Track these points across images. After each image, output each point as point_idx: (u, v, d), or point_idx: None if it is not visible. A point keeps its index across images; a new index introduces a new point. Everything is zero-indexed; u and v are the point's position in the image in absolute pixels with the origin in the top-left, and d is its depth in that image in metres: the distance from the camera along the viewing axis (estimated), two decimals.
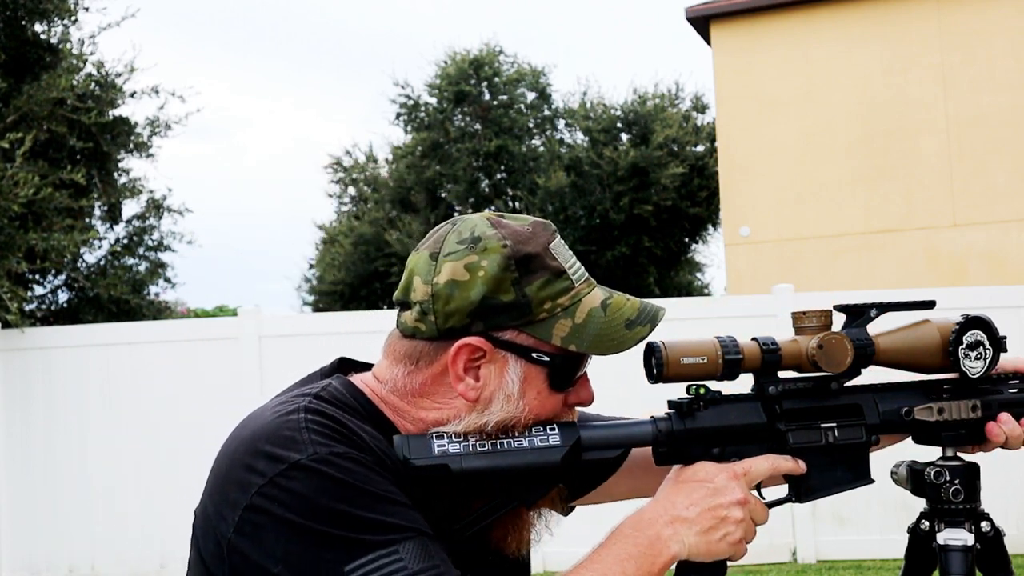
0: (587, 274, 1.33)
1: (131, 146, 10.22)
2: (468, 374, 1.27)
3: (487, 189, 19.08)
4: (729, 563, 1.28)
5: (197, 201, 41.61)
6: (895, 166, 13.17)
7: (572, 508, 1.58)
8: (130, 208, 10.94)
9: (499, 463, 1.23)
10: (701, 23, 14.45)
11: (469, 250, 1.27)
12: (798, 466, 1.31)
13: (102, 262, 10.56)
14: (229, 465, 1.24)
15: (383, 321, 6.92)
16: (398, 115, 19.57)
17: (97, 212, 10.49)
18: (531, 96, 19.55)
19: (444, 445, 1.23)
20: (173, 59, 56.26)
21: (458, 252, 1.27)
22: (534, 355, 1.26)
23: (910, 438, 1.43)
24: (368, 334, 6.51)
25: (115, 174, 10.33)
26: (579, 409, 1.55)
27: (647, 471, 1.47)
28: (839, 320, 1.34)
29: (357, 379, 1.35)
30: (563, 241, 1.33)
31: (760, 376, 1.32)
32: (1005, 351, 1.36)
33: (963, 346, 1.33)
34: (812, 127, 13.49)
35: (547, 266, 1.27)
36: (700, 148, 18.17)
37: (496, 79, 18.93)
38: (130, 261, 10.83)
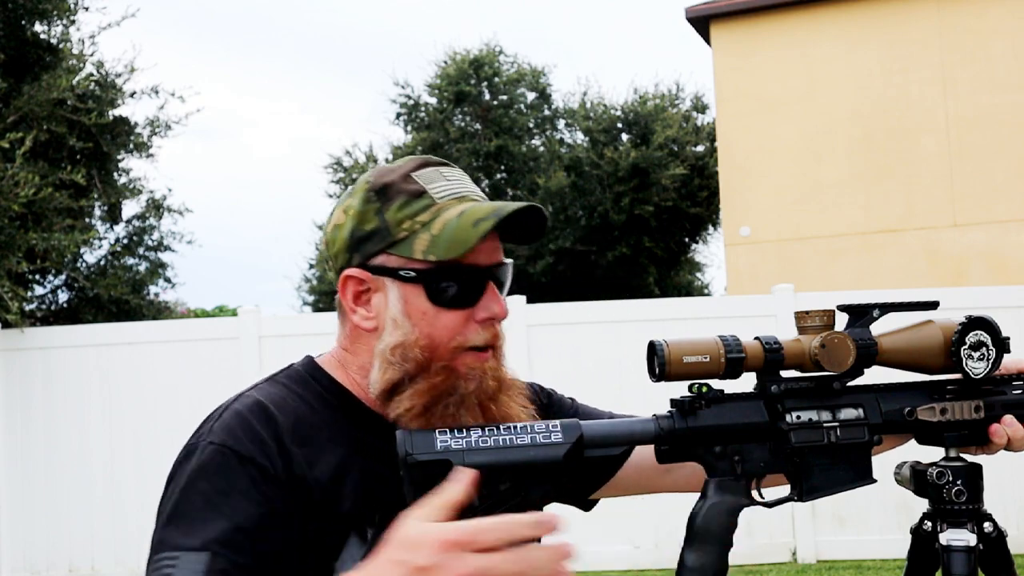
0: (463, 192, 1.34)
1: (131, 146, 10.22)
2: (360, 306, 1.34)
3: (487, 189, 19.07)
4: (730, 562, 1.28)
5: (197, 201, 41.66)
6: (895, 166, 13.18)
7: (594, 502, 1.60)
8: (130, 208, 10.94)
9: (501, 459, 1.24)
10: (701, 23, 14.46)
11: (347, 195, 1.36)
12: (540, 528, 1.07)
13: (102, 262, 10.56)
14: None
15: None
16: (398, 115, 19.58)
17: (97, 212, 10.49)
18: (531, 96, 19.55)
19: (447, 441, 1.23)
20: (174, 59, 56.32)
21: (339, 200, 1.38)
22: (402, 273, 1.30)
23: (913, 439, 1.43)
24: None
25: (115, 174, 10.34)
26: (586, 408, 1.56)
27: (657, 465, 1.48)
28: (842, 320, 1.34)
29: (324, 355, 1.43)
30: (450, 170, 1.37)
31: (763, 375, 1.32)
32: (1008, 352, 1.36)
33: (966, 347, 1.33)
34: (812, 127, 13.50)
35: (404, 190, 1.32)
36: (700, 148, 18.17)
37: (496, 79, 18.93)
38: (130, 261, 10.83)
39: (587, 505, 1.60)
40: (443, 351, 1.30)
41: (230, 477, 1.24)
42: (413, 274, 1.30)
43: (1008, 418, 1.35)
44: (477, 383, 1.30)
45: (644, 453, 1.48)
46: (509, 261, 1.37)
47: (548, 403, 1.57)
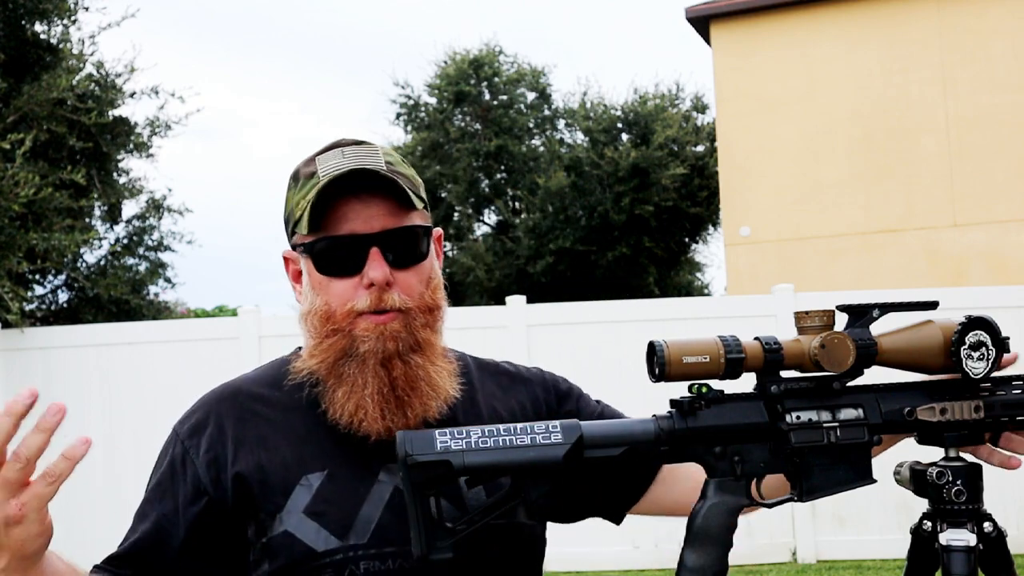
0: (344, 166, 1.39)
1: (131, 146, 10.23)
2: (297, 283, 1.47)
3: (487, 189, 19.08)
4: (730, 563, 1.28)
5: (197, 201, 41.68)
6: (895, 166, 13.18)
7: (624, 514, 1.61)
8: (130, 208, 10.96)
9: (501, 459, 1.24)
10: (701, 23, 14.46)
11: None
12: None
13: (102, 262, 10.57)
14: None
15: None
16: (398, 115, 19.58)
17: (97, 212, 10.50)
18: (531, 96, 19.56)
19: (447, 441, 1.23)
20: (174, 59, 56.34)
21: None
22: (299, 248, 1.43)
23: (911, 440, 1.43)
24: None
25: (115, 174, 10.34)
26: (612, 412, 1.59)
27: (686, 480, 1.53)
28: (842, 320, 1.33)
29: None
30: (358, 148, 1.43)
31: (762, 375, 1.32)
32: (1008, 352, 1.35)
33: (966, 346, 1.32)
34: (812, 127, 13.49)
35: (304, 173, 1.43)
36: (700, 148, 18.17)
37: (496, 79, 18.93)
38: (130, 261, 10.84)
39: (619, 518, 1.61)
40: (339, 316, 1.38)
41: (167, 451, 1.46)
42: (302, 248, 1.42)
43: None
44: (372, 344, 1.37)
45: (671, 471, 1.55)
46: (409, 225, 1.40)
47: (565, 395, 1.57)
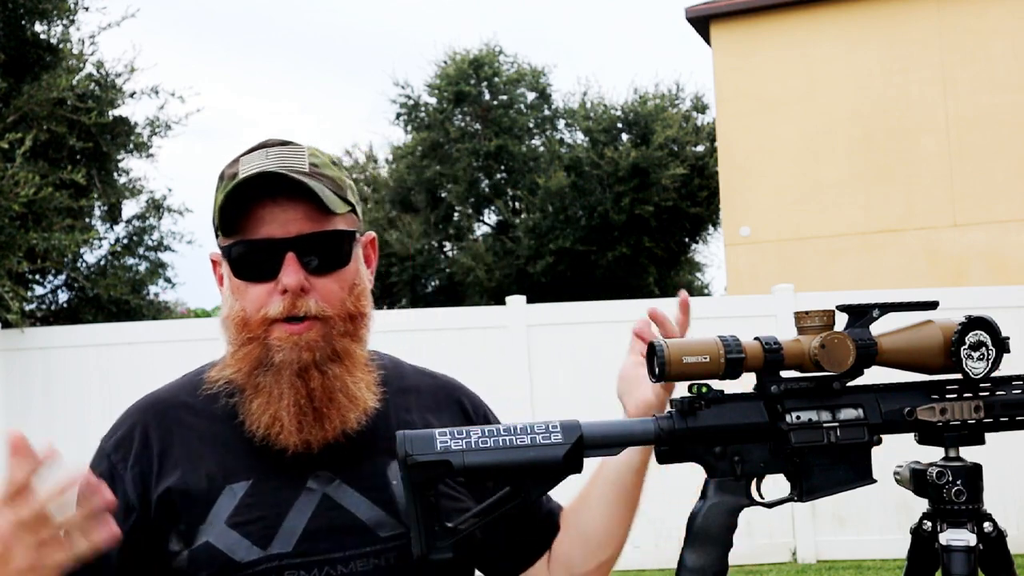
0: (265, 169, 1.34)
1: (131, 146, 10.23)
2: (222, 285, 1.42)
3: (487, 189, 19.08)
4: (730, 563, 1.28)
5: (197, 201, 41.66)
6: (895, 166, 13.18)
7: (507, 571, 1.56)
8: (130, 208, 10.96)
9: (501, 459, 1.24)
10: (701, 23, 14.46)
11: None
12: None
13: (102, 262, 10.56)
14: None
15: (382, 321, 6.91)
16: (398, 115, 19.58)
17: (97, 212, 10.50)
18: (531, 96, 19.56)
19: (447, 441, 1.23)
20: (174, 59, 56.35)
21: None
22: (220, 251, 1.39)
23: (911, 440, 1.43)
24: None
25: (115, 174, 10.34)
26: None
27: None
28: (842, 320, 1.33)
29: None
30: (281, 148, 1.37)
31: (762, 375, 1.32)
32: (1008, 352, 1.35)
33: (966, 346, 1.33)
34: (812, 127, 13.50)
35: (227, 174, 1.38)
36: (700, 148, 18.18)
37: (496, 79, 18.93)
38: (130, 261, 10.84)
39: (500, 572, 1.55)
40: (254, 323, 1.35)
41: (95, 469, 1.41)
42: (220, 252, 1.39)
43: None
44: (287, 354, 1.33)
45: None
46: (330, 230, 1.36)
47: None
